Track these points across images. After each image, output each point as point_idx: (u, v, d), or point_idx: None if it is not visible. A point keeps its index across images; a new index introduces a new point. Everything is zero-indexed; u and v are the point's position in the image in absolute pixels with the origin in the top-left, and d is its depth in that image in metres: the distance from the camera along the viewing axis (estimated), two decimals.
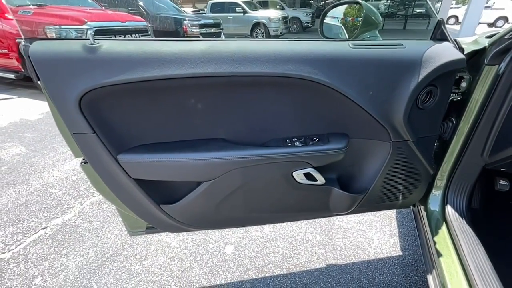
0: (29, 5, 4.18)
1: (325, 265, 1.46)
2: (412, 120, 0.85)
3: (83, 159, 0.83)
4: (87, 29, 3.93)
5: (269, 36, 9.99)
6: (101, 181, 0.84)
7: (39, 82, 0.67)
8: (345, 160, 0.90)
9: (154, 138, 0.81)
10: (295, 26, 12.42)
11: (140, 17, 5.19)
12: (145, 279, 1.38)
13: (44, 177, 2.22)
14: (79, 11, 4.39)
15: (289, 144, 0.85)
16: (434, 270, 0.95)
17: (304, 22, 12.59)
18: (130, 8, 6.07)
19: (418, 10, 14.30)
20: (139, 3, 6.45)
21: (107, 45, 0.66)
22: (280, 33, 10.36)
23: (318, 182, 0.92)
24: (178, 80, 0.69)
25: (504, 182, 1.12)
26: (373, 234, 1.67)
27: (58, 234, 1.65)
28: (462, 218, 1.03)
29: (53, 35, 3.79)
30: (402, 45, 0.80)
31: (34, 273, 1.40)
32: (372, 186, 0.98)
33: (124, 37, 4.47)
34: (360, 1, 1.04)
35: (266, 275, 1.41)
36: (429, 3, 0.92)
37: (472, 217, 1.05)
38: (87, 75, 0.65)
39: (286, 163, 0.86)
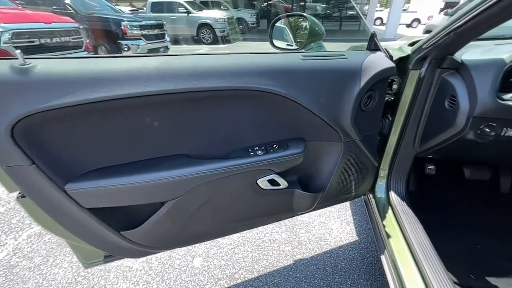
0: None
1: (292, 261, 1.53)
2: (357, 121, 0.95)
3: (20, 193, 0.72)
4: (2, 32, 3.35)
5: (215, 37, 9.89)
6: (44, 215, 0.74)
7: None
8: (304, 162, 0.96)
9: (108, 161, 0.75)
10: (241, 26, 12.55)
11: (68, 18, 4.62)
12: None
13: None
14: None
15: (252, 153, 0.87)
16: (385, 250, 1.08)
17: (249, 22, 12.82)
18: (55, 7, 5.35)
19: (350, 13, 15.80)
20: (65, 1, 5.73)
21: (42, 65, 0.59)
22: (227, 34, 10.35)
23: (281, 186, 0.96)
24: (131, 99, 0.65)
25: (431, 167, 1.33)
26: (332, 224, 1.81)
27: None
28: (403, 201, 1.19)
29: None
30: (344, 55, 0.89)
31: None
32: (329, 183, 1.06)
33: (51, 40, 3.93)
34: (305, 14, 1.12)
35: (238, 281, 1.42)
36: (363, 18, 1.04)
37: (410, 199, 1.23)
38: (19, 101, 0.57)
39: (250, 172, 0.87)
